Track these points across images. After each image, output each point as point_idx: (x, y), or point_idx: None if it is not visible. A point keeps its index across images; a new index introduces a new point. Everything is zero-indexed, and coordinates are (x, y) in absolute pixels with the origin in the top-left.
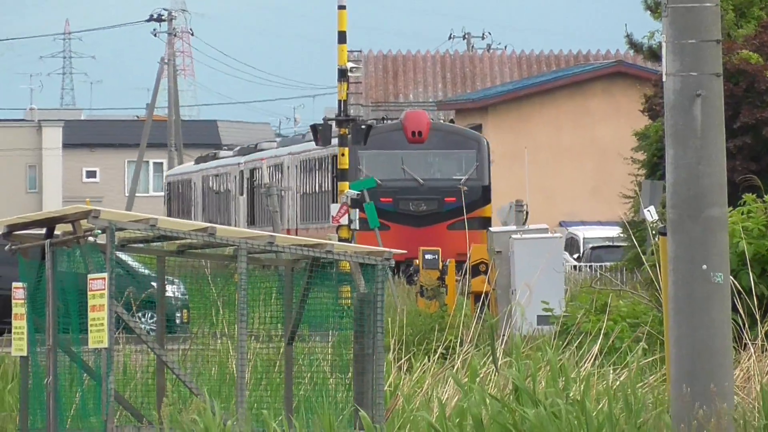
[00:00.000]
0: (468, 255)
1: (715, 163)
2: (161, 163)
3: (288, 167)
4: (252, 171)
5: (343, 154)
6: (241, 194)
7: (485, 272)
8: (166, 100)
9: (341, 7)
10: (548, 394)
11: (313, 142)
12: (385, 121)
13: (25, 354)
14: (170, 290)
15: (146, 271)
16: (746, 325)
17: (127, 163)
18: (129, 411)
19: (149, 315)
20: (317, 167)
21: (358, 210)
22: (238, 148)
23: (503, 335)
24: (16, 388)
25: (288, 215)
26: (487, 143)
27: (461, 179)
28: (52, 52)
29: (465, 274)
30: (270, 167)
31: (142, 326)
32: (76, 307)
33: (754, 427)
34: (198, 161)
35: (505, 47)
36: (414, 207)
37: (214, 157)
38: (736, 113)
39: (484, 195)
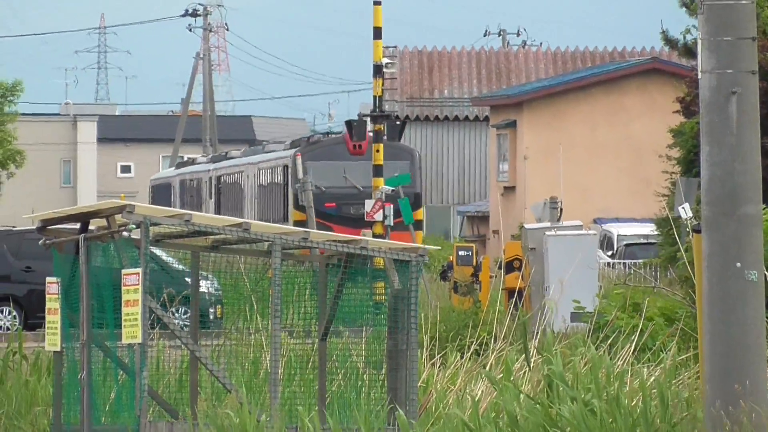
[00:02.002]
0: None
1: (750, 160)
2: None
3: (248, 175)
4: (219, 177)
5: (378, 150)
6: (210, 198)
7: (519, 269)
8: (201, 95)
9: (377, 3)
10: (585, 390)
11: (270, 153)
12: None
13: (58, 349)
14: (204, 286)
15: (180, 267)
16: None
17: (162, 158)
18: (162, 406)
19: (183, 310)
20: (272, 174)
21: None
22: (211, 155)
23: (536, 332)
24: (50, 382)
25: (248, 216)
26: (419, 155)
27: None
28: (88, 46)
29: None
30: (236, 174)
31: (176, 322)
32: (110, 302)
33: None
34: (178, 166)
35: (541, 44)
36: (354, 210)
37: (192, 163)
38: None
39: (416, 201)
